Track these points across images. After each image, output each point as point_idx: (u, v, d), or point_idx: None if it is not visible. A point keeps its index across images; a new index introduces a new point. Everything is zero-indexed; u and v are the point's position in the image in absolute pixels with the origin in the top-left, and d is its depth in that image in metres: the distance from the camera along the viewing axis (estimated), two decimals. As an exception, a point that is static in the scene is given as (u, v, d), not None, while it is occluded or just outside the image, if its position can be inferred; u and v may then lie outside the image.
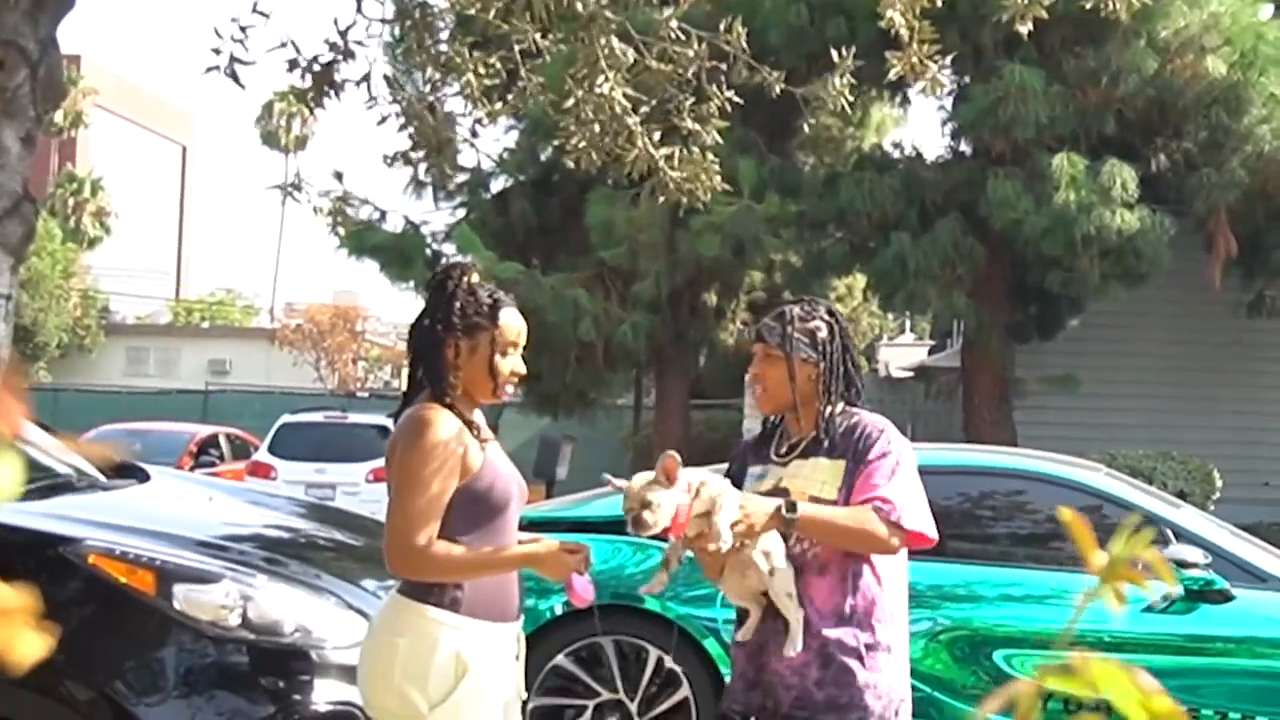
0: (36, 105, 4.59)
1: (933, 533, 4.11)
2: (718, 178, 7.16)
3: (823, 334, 4.21)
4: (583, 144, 6.77)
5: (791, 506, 3.97)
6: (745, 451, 4.49)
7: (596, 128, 6.67)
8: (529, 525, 4.08)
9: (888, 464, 4.07)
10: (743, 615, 4.28)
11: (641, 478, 3.94)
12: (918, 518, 4.06)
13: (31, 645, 0.74)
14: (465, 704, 3.76)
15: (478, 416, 3.98)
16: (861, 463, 4.09)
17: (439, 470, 3.76)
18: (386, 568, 3.88)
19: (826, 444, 4.17)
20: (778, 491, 4.13)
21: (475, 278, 3.98)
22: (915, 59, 6.62)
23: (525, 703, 4.15)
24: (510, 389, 4.02)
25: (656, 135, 6.91)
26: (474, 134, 7.71)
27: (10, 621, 0.73)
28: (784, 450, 4.27)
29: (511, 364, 3.95)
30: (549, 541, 3.94)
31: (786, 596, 4.08)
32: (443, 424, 3.79)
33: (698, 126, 6.89)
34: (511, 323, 3.94)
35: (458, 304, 3.88)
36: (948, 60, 6.88)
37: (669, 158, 6.94)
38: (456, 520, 3.80)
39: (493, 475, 3.90)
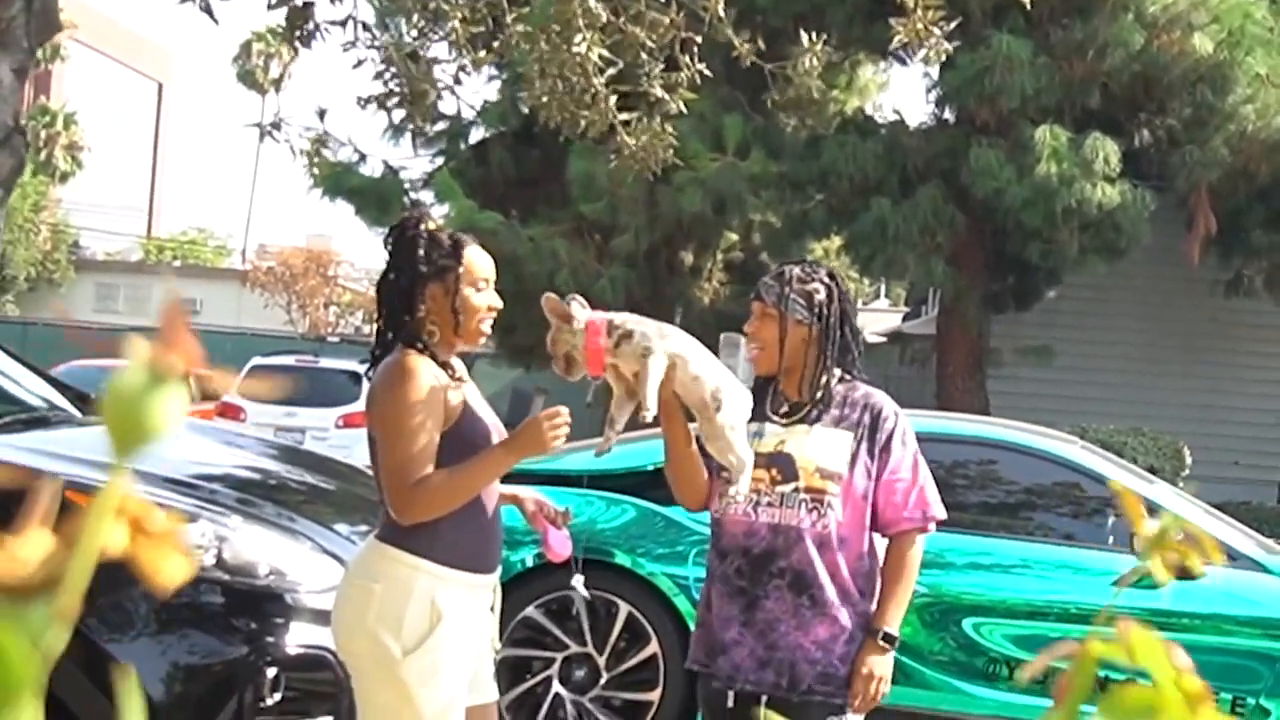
0: (29, 38, 4.54)
1: (943, 514, 4.24)
2: (670, 149, 7.12)
3: (820, 296, 4.18)
4: (544, 98, 6.73)
5: (889, 639, 4.09)
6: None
7: (560, 84, 6.63)
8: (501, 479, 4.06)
9: (910, 456, 4.15)
10: (713, 569, 4.24)
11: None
12: (939, 504, 4.21)
13: (178, 568, 0.75)
14: (438, 651, 3.76)
15: (455, 363, 3.96)
16: (877, 446, 4.12)
17: (425, 416, 3.75)
18: (390, 510, 3.83)
19: (832, 413, 4.16)
20: (779, 453, 4.11)
21: (432, 224, 3.96)
22: (920, 25, 6.59)
23: (496, 653, 4.16)
24: (488, 327, 4.00)
25: (622, 99, 6.86)
26: (457, 81, 7.64)
27: (158, 544, 0.74)
28: (784, 411, 4.24)
29: (486, 299, 3.94)
30: (527, 422, 3.85)
31: (732, 456, 4.01)
32: (422, 370, 3.78)
33: (665, 95, 6.85)
34: (477, 258, 3.94)
35: (420, 250, 3.87)
36: (951, 26, 6.82)
37: (627, 123, 6.90)
38: (438, 466, 3.79)
39: (472, 420, 3.90)
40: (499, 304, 3.97)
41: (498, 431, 4.01)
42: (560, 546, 4.10)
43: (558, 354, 3.89)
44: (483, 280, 3.93)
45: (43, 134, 47.68)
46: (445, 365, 3.88)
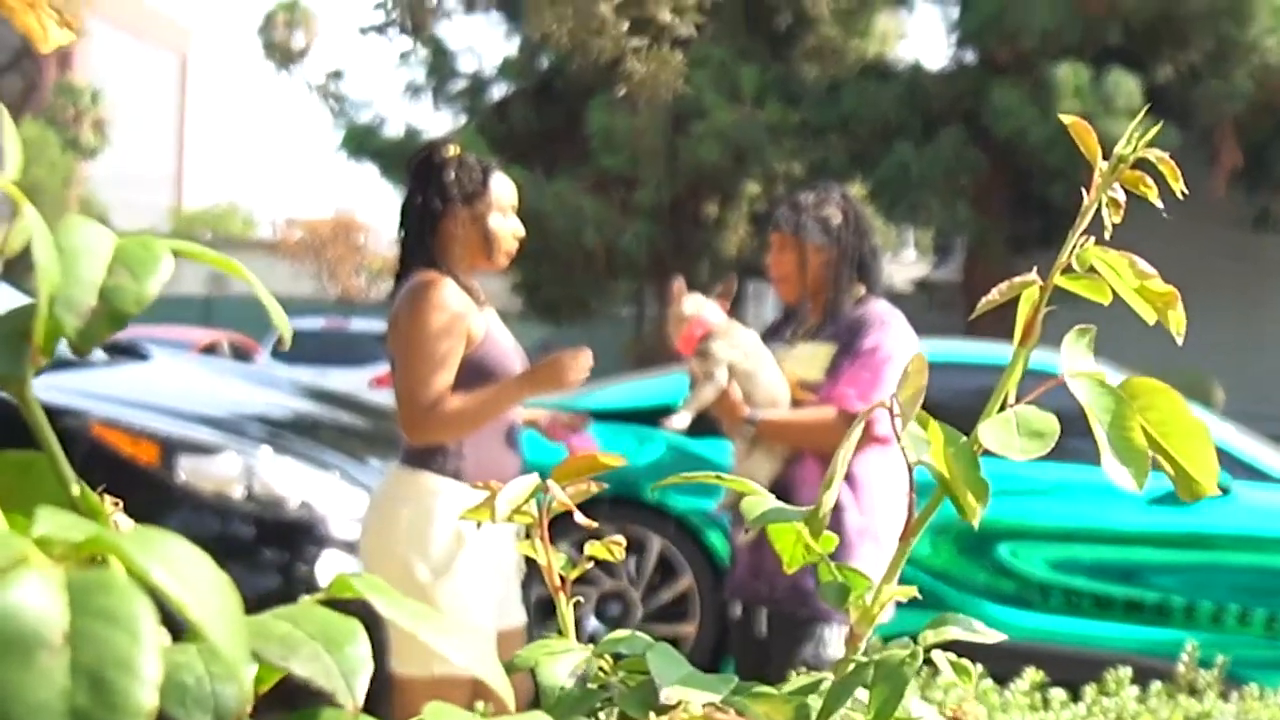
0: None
1: (892, 438, 4.10)
2: (680, 80, 7.08)
3: (836, 220, 4.20)
4: (556, 28, 6.71)
5: (750, 420, 4.05)
6: (769, 330, 4.50)
7: (570, 10, 6.61)
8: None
9: (877, 357, 4.07)
10: (738, 516, 4.30)
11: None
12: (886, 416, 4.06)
13: (55, 32, 0.73)
14: (464, 573, 3.79)
15: (476, 287, 3.98)
16: (853, 351, 4.09)
17: (446, 333, 3.77)
18: (400, 429, 3.85)
19: (828, 329, 4.17)
20: None
21: (457, 151, 3.99)
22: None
23: (526, 587, 4.17)
24: (512, 254, 4.03)
25: (631, 26, 6.83)
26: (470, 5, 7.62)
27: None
28: (797, 332, 4.28)
29: (511, 226, 3.97)
30: (549, 358, 3.88)
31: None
32: (446, 290, 3.80)
33: (675, 18, 6.81)
34: (502, 185, 3.98)
35: (451, 174, 3.90)
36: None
37: (636, 50, 6.87)
38: (459, 390, 3.80)
39: (493, 344, 3.91)
40: (522, 231, 4.02)
41: (520, 357, 4.03)
42: (588, 449, 4.13)
43: (672, 320, 4.19)
44: (508, 204, 3.97)
45: (71, 110, 47.75)
46: (468, 289, 3.89)
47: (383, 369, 18.89)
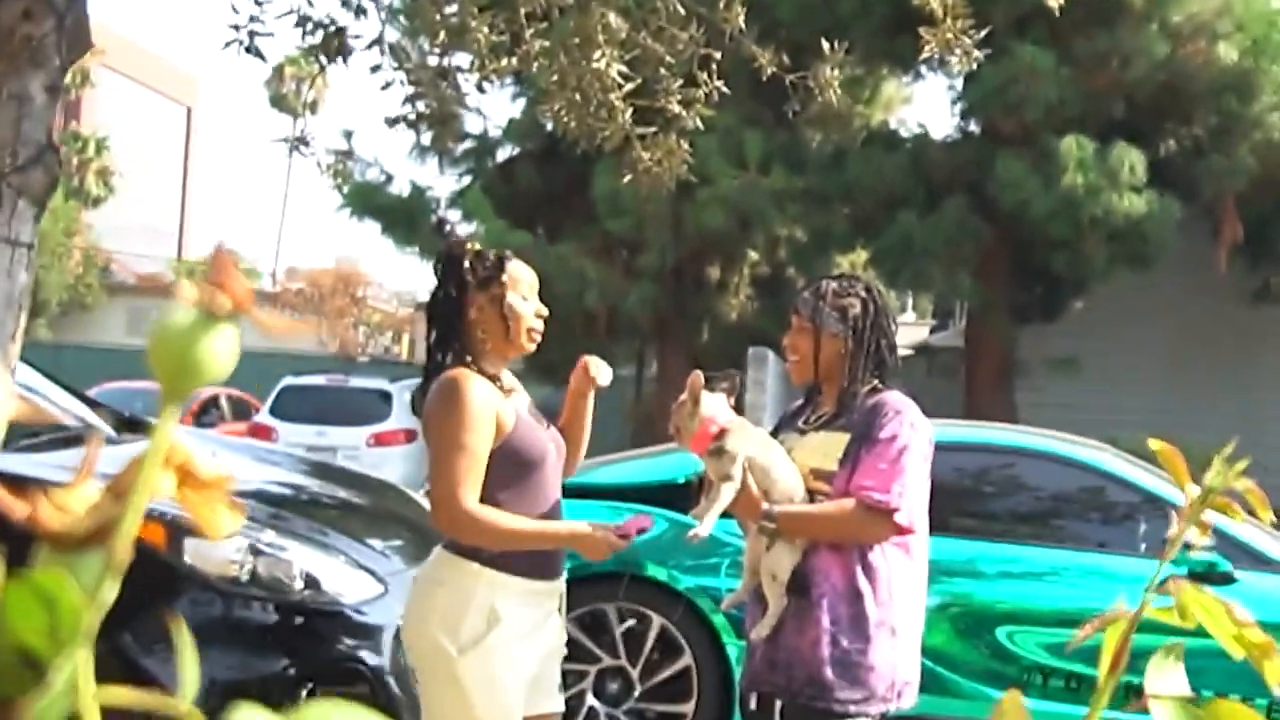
0: (61, 54, 4.58)
1: (915, 528, 4.11)
2: (685, 166, 7.13)
3: (855, 310, 4.23)
4: (564, 111, 6.77)
5: (770, 515, 4.06)
6: (785, 418, 4.53)
7: (578, 96, 6.66)
8: None
9: (894, 448, 4.07)
10: (749, 604, 4.31)
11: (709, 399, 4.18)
12: (908, 508, 4.05)
13: (227, 518, 0.75)
14: (496, 653, 3.86)
15: (506, 376, 4.07)
16: (869, 441, 4.09)
17: (476, 432, 3.86)
18: (433, 527, 3.95)
19: (842, 419, 4.19)
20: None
21: (475, 245, 4.12)
22: (950, 34, 6.58)
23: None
24: (538, 335, 4.10)
25: (639, 114, 6.88)
26: (481, 89, 7.67)
27: (207, 492, 0.74)
28: (810, 420, 4.30)
29: (533, 308, 4.05)
30: (595, 524, 3.95)
31: (771, 578, 4.12)
32: (473, 386, 3.89)
33: (682, 111, 6.86)
34: (521, 270, 4.07)
35: (466, 264, 4.01)
36: (981, 35, 6.80)
37: (643, 137, 6.92)
38: (493, 479, 3.89)
39: (525, 432, 3.99)
40: (545, 312, 4.11)
41: (554, 443, 4.12)
42: (636, 524, 4.14)
43: (673, 423, 4.16)
44: (527, 289, 4.05)
45: (74, 159, 47.97)
46: (495, 379, 3.98)
47: (381, 427, 18.93)
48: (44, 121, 4.56)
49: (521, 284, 4.04)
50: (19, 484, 5.21)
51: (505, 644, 3.88)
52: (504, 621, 3.86)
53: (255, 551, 5.08)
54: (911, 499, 4.05)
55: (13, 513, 0.68)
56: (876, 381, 4.25)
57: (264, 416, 19.54)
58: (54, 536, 0.70)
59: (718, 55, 6.83)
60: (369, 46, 7.13)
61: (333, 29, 6.99)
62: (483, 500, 3.85)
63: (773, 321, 20.55)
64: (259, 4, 6.71)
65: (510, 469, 3.92)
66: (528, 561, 3.93)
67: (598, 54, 6.50)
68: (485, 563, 3.89)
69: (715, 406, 4.16)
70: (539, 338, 4.10)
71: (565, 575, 4.17)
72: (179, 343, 0.71)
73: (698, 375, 4.16)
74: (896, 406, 4.16)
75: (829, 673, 4.06)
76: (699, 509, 4.10)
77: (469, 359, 3.98)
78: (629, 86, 6.72)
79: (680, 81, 6.85)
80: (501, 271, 4.01)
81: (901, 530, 4.03)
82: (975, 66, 7.09)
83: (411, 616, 4.00)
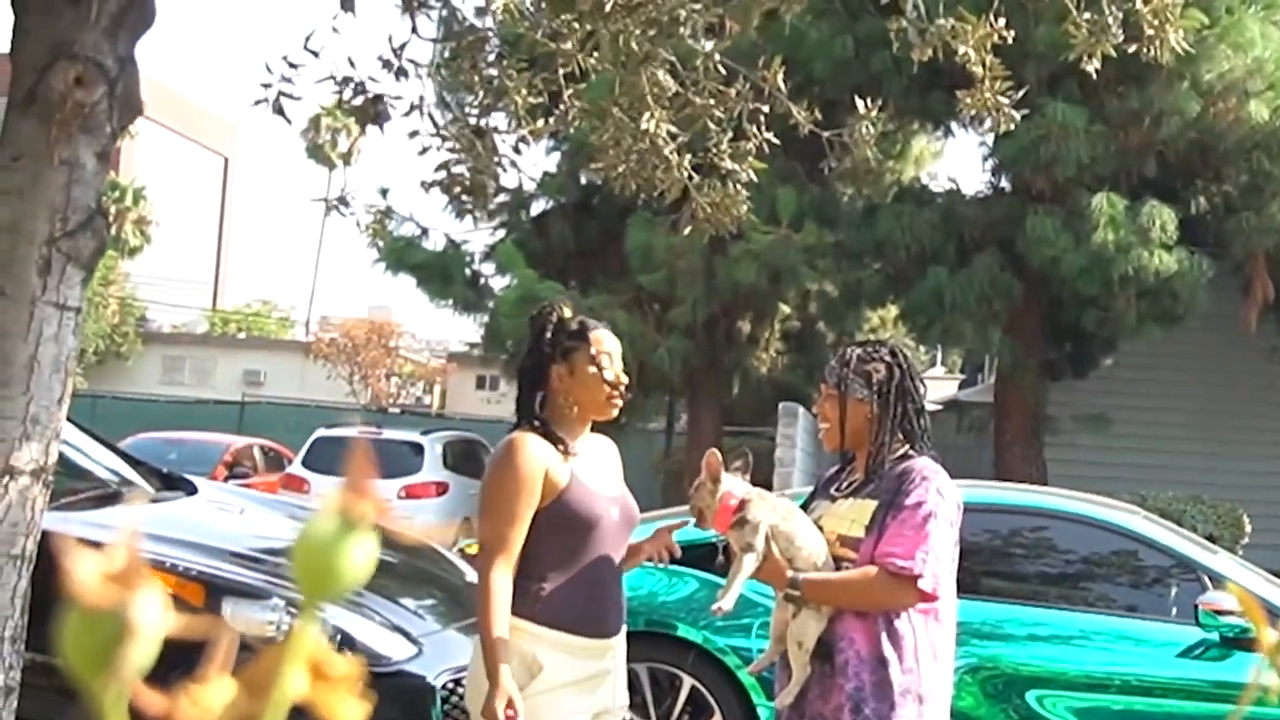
0: (113, 121, 4.68)
1: (939, 594, 4.11)
2: (745, 208, 7.22)
3: (880, 375, 4.26)
4: (621, 169, 6.85)
5: (795, 583, 4.09)
6: (820, 485, 4.58)
7: (634, 156, 6.75)
8: None
9: (920, 514, 4.09)
10: (778, 669, 4.35)
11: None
12: (932, 575, 4.05)
13: (355, 713, 0.76)
14: (541, 702, 3.95)
15: (586, 441, 4.21)
16: (895, 507, 4.12)
17: (518, 495, 4.00)
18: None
19: (870, 486, 4.23)
20: (819, 527, 4.24)
21: (566, 311, 4.27)
22: (989, 95, 6.66)
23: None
24: (618, 400, 4.23)
25: (692, 163, 6.98)
26: (517, 151, 7.76)
27: (337, 689, 0.76)
28: (842, 488, 4.35)
29: (610, 375, 4.17)
30: (504, 689, 3.89)
31: (797, 645, 4.15)
32: (526, 449, 4.04)
33: (734, 165, 6.94)
34: (603, 336, 4.23)
35: (549, 333, 4.16)
36: (1019, 96, 6.87)
37: (699, 186, 7.02)
38: (542, 537, 4.03)
39: (579, 493, 4.10)
40: (624, 379, 4.24)
41: (619, 506, 4.23)
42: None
43: (694, 504, 4.21)
44: (606, 356, 4.18)
45: (112, 209, 48.30)
46: (560, 441, 4.10)
47: (413, 479, 18.99)
48: (94, 188, 4.66)
49: (603, 348, 4.18)
50: (59, 543, 5.26)
51: (550, 693, 3.97)
52: (547, 670, 3.96)
53: (293, 613, 5.15)
54: (936, 565, 4.05)
55: (150, 708, 0.72)
56: (907, 447, 4.28)
57: (297, 468, 19.62)
58: None
59: (765, 109, 6.92)
60: (407, 113, 7.23)
61: (371, 96, 7.08)
62: (527, 554, 3.99)
63: (803, 376, 20.60)
64: (293, 66, 6.80)
65: (560, 528, 4.05)
66: (571, 617, 4.04)
67: (646, 115, 6.60)
68: (525, 616, 3.98)
69: (732, 481, 4.23)
70: (620, 403, 4.23)
71: (622, 634, 4.24)
72: (323, 550, 0.75)
73: (714, 454, 4.24)
74: (924, 473, 4.19)
75: None
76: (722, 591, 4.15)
77: (537, 422, 4.12)
78: (682, 138, 6.82)
79: (730, 136, 6.94)
80: (584, 340, 4.16)
81: (926, 597, 4.05)
82: (1011, 127, 7.15)
83: (471, 670, 4.12)
